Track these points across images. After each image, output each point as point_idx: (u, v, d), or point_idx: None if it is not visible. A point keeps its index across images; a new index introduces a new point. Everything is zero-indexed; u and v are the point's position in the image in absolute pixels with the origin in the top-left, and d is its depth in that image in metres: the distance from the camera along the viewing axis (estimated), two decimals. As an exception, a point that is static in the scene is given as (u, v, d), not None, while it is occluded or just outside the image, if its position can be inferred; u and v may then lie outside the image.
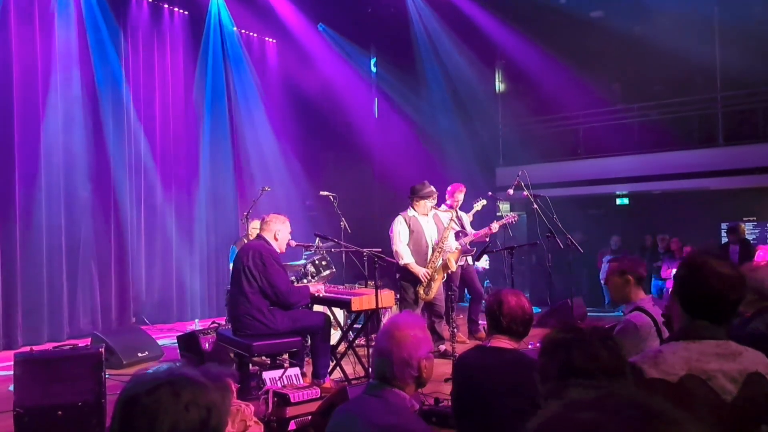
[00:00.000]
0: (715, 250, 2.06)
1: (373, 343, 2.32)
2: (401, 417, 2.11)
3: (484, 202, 7.56)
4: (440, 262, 6.53)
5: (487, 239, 7.32)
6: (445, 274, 6.69)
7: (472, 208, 7.57)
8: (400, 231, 6.55)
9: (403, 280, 6.57)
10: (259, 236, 5.42)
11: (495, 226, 7.19)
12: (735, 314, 2.04)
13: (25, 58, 7.74)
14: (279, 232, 5.36)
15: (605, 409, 0.72)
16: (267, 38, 11.23)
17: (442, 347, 6.62)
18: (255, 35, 11.05)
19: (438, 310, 6.72)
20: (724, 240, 10.38)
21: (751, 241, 10.24)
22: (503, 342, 2.85)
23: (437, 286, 6.56)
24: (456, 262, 6.99)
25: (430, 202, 6.68)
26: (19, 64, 7.65)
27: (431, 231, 6.68)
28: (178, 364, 1.46)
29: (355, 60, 12.00)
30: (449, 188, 7.51)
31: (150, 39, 9.35)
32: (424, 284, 6.46)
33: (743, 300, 2.02)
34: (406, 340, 2.19)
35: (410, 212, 6.65)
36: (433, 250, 6.59)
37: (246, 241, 6.76)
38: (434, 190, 6.73)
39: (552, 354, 1.62)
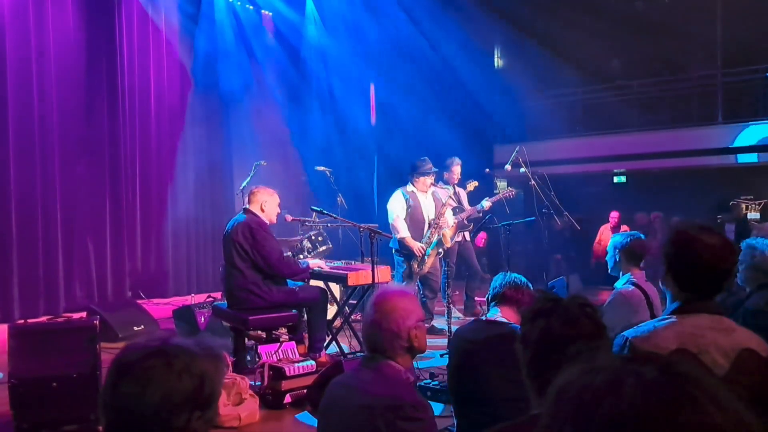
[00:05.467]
0: (699, 222, 2.04)
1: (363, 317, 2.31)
2: (396, 388, 2.11)
3: (476, 183, 7.55)
4: (436, 238, 6.55)
5: (480, 214, 7.30)
6: (441, 250, 6.70)
7: (465, 187, 7.56)
8: (398, 205, 6.57)
9: (397, 254, 6.59)
10: (245, 210, 5.34)
11: (487, 204, 7.18)
12: (727, 284, 2.04)
13: (18, 31, 7.60)
14: (265, 204, 5.24)
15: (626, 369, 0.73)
16: (262, 10, 11.07)
17: (430, 323, 6.64)
18: (251, 7, 10.90)
19: (433, 286, 6.73)
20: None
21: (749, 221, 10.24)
22: (500, 316, 2.87)
23: (431, 261, 6.59)
24: (452, 238, 7.00)
25: (430, 179, 6.68)
26: (11, 37, 7.53)
27: (429, 207, 6.70)
28: (171, 334, 1.45)
29: (353, 35, 11.86)
30: (447, 162, 7.50)
31: (143, 11, 9.21)
32: (419, 259, 6.48)
33: (734, 269, 2.03)
34: (395, 310, 2.18)
35: (409, 188, 6.67)
36: (429, 226, 6.60)
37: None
38: (433, 166, 6.73)
39: (532, 321, 1.66)
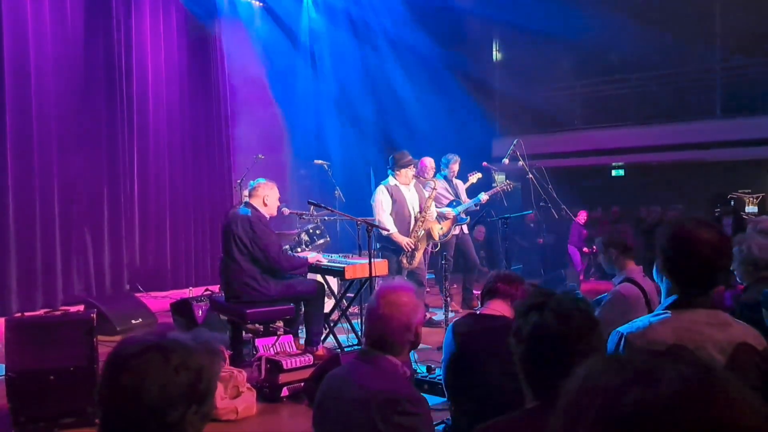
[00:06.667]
0: (696, 216, 2.02)
1: (366, 310, 2.31)
2: (393, 383, 2.11)
3: (479, 175, 7.55)
4: (422, 232, 6.55)
5: (477, 207, 7.32)
6: (430, 243, 6.71)
7: (467, 180, 7.55)
8: (382, 200, 6.52)
9: (384, 249, 6.56)
10: (247, 203, 5.35)
11: (484, 197, 7.19)
12: (723, 278, 2.03)
13: (15, 17, 7.54)
14: (267, 198, 5.29)
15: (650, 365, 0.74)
16: (256, 2, 11.03)
17: (427, 315, 6.66)
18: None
19: (419, 279, 6.73)
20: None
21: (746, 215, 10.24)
22: (495, 310, 2.87)
23: (420, 256, 6.59)
24: (444, 235, 7.01)
25: (411, 171, 6.68)
26: (9, 23, 7.47)
27: (413, 200, 6.68)
28: (168, 329, 1.45)
29: (353, 27, 11.83)
30: (446, 159, 7.50)
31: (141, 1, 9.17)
32: (408, 254, 6.47)
33: (730, 264, 2.01)
34: (406, 305, 2.19)
35: (392, 182, 6.63)
36: (416, 220, 6.59)
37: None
38: (413, 159, 6.74)
39: (525, 316, 1.66)
